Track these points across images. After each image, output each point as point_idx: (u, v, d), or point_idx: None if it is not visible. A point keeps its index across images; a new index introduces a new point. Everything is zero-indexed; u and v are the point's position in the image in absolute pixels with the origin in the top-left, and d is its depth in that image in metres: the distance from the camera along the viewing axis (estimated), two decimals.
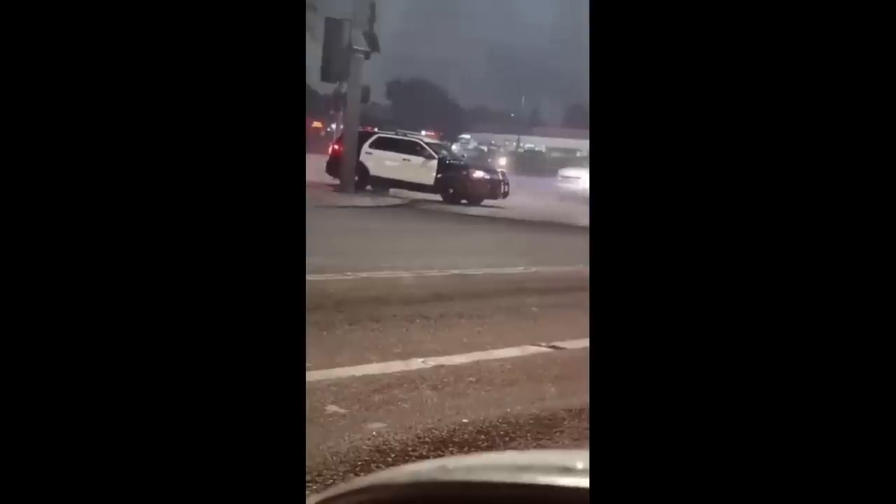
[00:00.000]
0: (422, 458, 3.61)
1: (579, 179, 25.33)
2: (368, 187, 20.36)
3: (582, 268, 9.03)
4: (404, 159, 20.80)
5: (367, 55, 19.62)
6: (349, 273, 8.06)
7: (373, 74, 22.73)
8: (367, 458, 3.56)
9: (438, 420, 4.13)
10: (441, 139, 30.40)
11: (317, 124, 48.71)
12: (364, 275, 8.09)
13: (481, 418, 4.20)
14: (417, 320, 6.30)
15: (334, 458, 3.52)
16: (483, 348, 5.59)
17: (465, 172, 21.06)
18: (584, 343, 5.54)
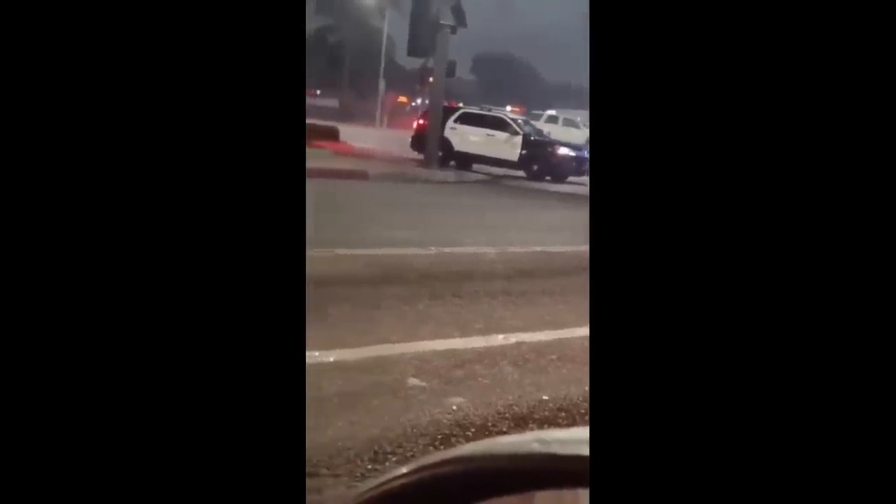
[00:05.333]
0: (501, 433, 3.61)
1: None
2: (452, 163, 20.39)
3: None
4: (488, 135, 20.72)
5: (453, 30, 19.56)
6: (432, 248, 8.11)
7: (459, 49, 22.65)
8: (447, 432, 3.59)
9: (519, 396, 4.13)
10: (526, 115, 30.22)
11: (402, 99, 49.04)
12: (447, 250, 8.12)
13: (562, 395, 4.19)
14: (500, 296, 6.30)
15: (414, 430, 3.56)
16: (565, 326, 5.56)
17: (549, 149, 20.88)
18: None
